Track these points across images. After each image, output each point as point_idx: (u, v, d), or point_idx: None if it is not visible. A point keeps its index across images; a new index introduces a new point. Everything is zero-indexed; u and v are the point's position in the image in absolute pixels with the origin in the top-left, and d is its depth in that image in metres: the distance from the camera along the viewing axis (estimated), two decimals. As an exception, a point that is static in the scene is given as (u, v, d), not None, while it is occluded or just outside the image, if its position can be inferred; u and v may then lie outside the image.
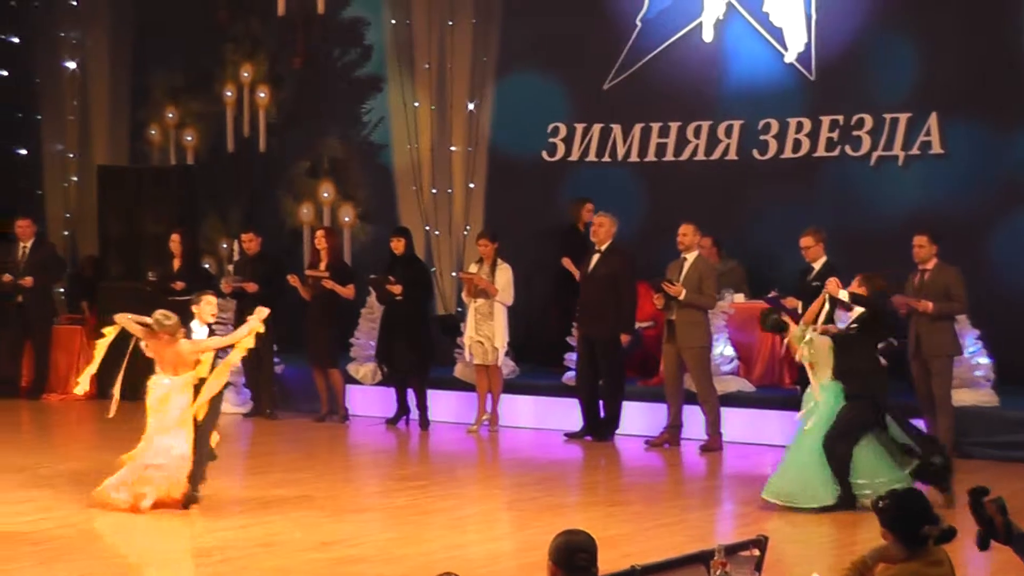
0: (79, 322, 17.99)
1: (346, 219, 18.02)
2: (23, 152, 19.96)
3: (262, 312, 11.85)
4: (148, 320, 11.53)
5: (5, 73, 20.03)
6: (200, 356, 11.61)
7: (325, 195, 18.10)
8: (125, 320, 11.67)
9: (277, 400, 16.42)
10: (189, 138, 19.02)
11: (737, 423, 14.34)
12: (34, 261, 17.46)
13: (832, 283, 11.70)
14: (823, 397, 11.36)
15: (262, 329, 11.70)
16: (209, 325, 11.97)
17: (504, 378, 15.64)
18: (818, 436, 11.33)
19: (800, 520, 11.22)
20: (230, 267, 17.40)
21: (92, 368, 11.89)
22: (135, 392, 16.80)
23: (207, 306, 11.82)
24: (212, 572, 9.78)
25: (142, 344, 11.72)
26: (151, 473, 11.40)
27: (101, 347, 11.79)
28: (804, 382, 12.00)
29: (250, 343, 11.56)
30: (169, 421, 11.53)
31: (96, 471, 13.18)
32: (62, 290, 18.61)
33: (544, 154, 17.56)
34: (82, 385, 12.01)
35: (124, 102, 19.66)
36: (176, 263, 16.80)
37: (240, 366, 16.33)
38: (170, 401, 11.54)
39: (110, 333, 11.79)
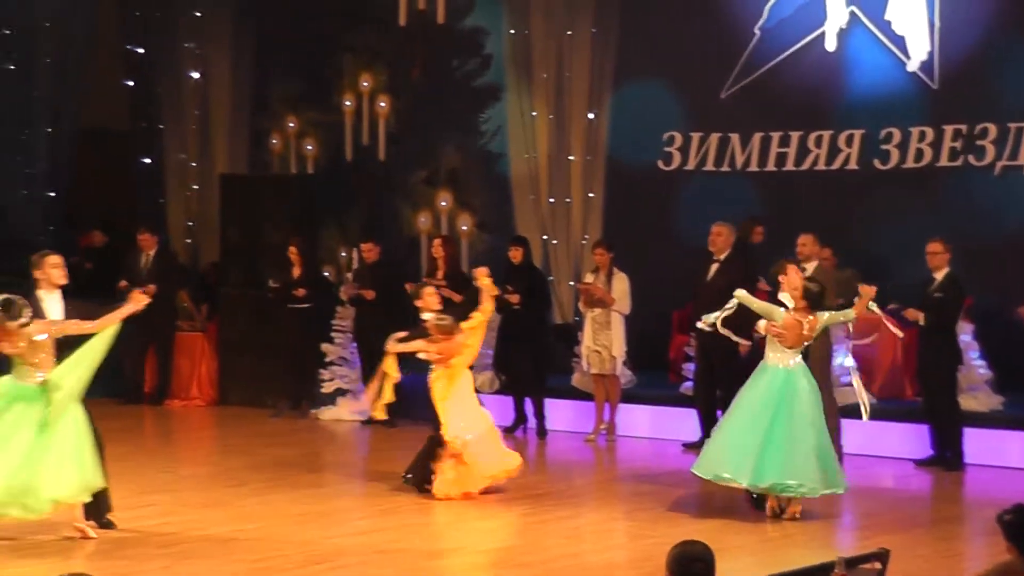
0: (200, 329, 18.21)
1: (464, 228, 18.09)
2: (147, 161, 20.25)
3: (484, 273, 12.69)
4: (399, 333, 12.62)
5: (131, 84, 20.34)
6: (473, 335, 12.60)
7: (443, 204, 18.18)
8: (399, 348, 12.58)
9: (396, 407, 16.48)
10: (309, 147, 19.19)
11: (857, 435, 14.19)
12: (157, 269, 17.70)
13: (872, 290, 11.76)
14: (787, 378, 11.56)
15: (496, 291, 12.82)
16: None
17: (622, 388, 15.62)
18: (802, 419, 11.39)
19: (921, 533, 11.09)
20: (349, 275, 17.54)
21: (387, 397, 12.78)
22: (249, 399, 17.10)
23: (430, 297, 12.81)
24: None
25: (421, 355, 12.52)
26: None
27: (389, 387, 12.75)
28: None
29: (491, 307, 12.74)
30: (463, 403, 12.49)
31: (217, 475, 13.36)
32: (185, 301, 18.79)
33: (660, 163, 17.51)
34: (378, 412, 12.93)
35: (244, 111, 19.87)
36: (296, 271, 16.97)
37: (359, 374, 16.53)
38: (461, 386, 12.52)
39: (392, 368, 12.65)
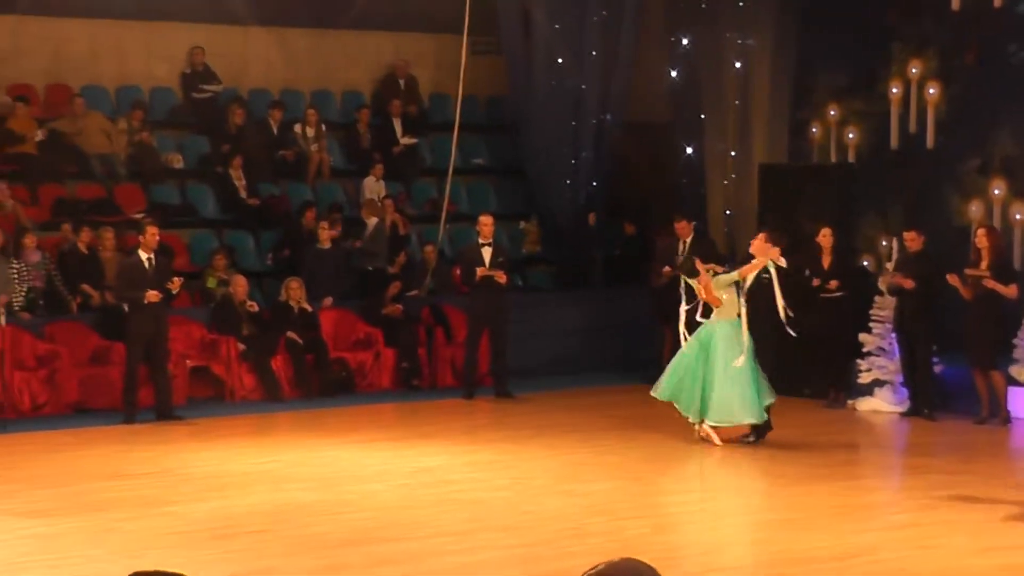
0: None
1: (1017, 217, 17.37)
2: (690, 151, 20.48)
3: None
4: None
5: (675, 74, 20.63)
6: None
7: (996, 192, 17.52)
8: None
9: (935, 400, 16.08)
10: (851, 136, 18.93)
11: None
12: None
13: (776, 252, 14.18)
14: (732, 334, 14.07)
15: None
16: None
17: None
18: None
19: None
20: (889, 265, 17.19)
21: None
22: (786, 388, 17.02)
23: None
24: (864, 572, 9.68)
25: None
26: None
27: None
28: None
29: None
30: None
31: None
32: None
33: None
34: None
35: (785, 101, 19.77)
36: (826, 260, 16.76)
37: (898, 365, 16.19)
38: None
39: None
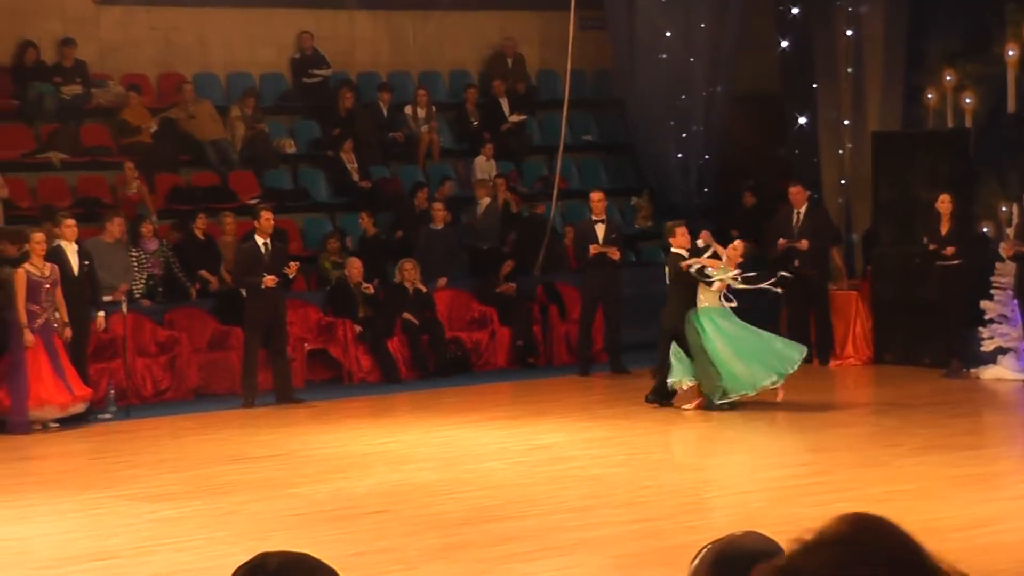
0: (855, 287, 18.07)
1: None
2: (803, 120, 20.26)
3: None
4: None
5: (785, 44, 20.41)
6: None
7: None
8: None
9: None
10: (967, 101, 18.62)
11: None
12: (807, 226, 17.68)
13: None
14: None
15: None
16: None
17: None
18: None
19: None
20: (1009, 230, 16.90)
21: None
22: (905, 357, 16.80)
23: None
24: (989, 543, 9.56)
25: None
26: None
27: None
28: None
29: None
30: None
31: (874, 435, 13.21)
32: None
33: None
34: None
35: (899, 67, 19.51)
36: (944, 227, 16.51)
37: (1021, 332, 15.91)
38: None
39: None
